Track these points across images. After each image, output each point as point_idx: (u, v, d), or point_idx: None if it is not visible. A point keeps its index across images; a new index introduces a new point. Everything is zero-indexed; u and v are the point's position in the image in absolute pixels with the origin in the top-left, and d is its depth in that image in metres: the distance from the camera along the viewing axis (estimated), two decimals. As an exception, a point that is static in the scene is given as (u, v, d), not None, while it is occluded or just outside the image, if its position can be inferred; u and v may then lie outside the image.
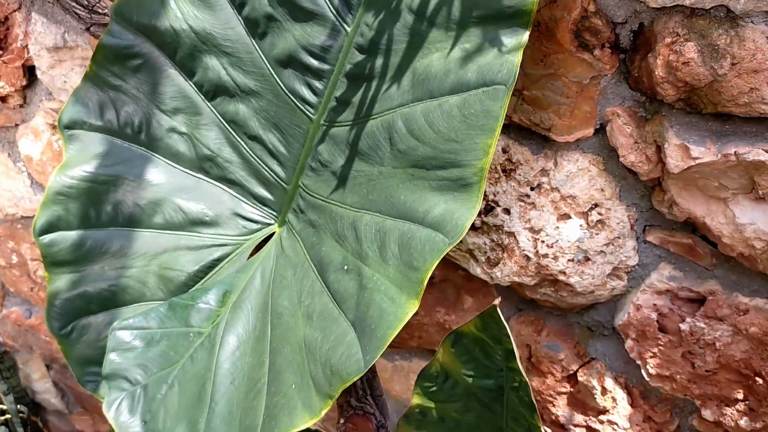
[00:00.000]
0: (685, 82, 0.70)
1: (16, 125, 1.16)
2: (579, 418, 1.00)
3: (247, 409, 0.76)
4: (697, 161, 0.73)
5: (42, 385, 1.64)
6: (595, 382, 0.97)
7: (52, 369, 1.61)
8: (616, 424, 0.98)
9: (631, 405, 0.96)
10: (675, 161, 0.75)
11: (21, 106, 1.13)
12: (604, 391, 0.97)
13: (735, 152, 0.72)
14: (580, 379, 0.98)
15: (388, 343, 0.64)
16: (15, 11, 1.04)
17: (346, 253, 0.73)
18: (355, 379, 0.65)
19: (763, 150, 0.71)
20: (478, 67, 0.64)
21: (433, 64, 0.67)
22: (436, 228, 0.65)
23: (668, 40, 0.69)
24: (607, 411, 0.98)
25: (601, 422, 0.99)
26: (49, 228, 0.86)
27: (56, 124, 1.12)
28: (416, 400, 0.76)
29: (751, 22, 0.66)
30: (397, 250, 0.67)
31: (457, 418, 0.75)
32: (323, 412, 0.68)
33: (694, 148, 0.73)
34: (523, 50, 0.63)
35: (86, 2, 0.84)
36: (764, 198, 0.75)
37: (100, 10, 0.84)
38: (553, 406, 1.02)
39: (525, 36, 0.63)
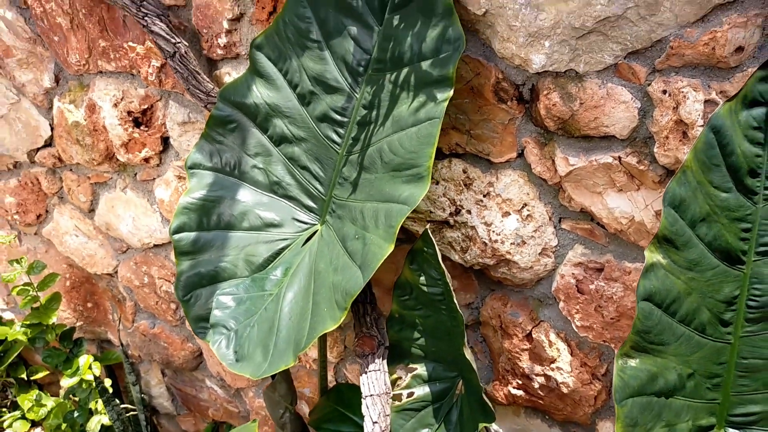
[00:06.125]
0: (557, 117, 1.15)
1: (154, 179, 1.71)
2: (537, 368, 1.39)
3: (298, 330, 1.21)
4: (574, 167, 1.17)
5: (157, 390, 2.12)
6: (543, 338, 1.36)
7: (166, 375, 2.09)
8: (563, 369, 1.36)
9: (571, 354, 1.35)
10: (561, 168, 1.19)
11: (158, 165, 1.68)
12: (550, 344, 1.36)
13: (595, 159, 1.16)
14: (534, 336, 1.38)
15: (375, 270, 1.09)
16: (157, 101, 1.60)
17: (356, 228, 1.19)
18: (358, 292, 1.10)
19: (611, 156, 1.14)
20: (426, 111, 1.12)
21: (402, 111, 1.16)
22: (404, 203, 1.11)
23: (545, 92, 1.15)
24: (555, 360, 1.37)
25: (552, 369, 1.38)
26: (178, 230, 1.36)
27: (182, 176, 1.66)
28: (395, 306, 1.20)
29: (589, 77, 1.11)
30: (384, 219, 1.14)
31: (423, 324, 1.18)
32: (341, 320, 1.13)
33: (571, 158, 1.17)
34: (449, 99, 1.10)
35: (204, 89, 1.38)
36: (622, 189, 1.17)
37: (213, 95, 1.38)
38: (520, 360, 1.41)
39: (450, 92, 1.10)
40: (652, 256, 0.94)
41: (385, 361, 1.21)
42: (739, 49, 0.98)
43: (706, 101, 1.02)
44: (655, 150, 1.10)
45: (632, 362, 0.94)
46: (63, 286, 2.07)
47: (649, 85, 1.06)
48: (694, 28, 0.99)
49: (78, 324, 2.13)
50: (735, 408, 1.00)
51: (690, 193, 0.93)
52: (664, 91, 1.05)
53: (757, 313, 0.96)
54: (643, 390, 0.93)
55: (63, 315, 2.12)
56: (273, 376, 1.40)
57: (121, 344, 1.93)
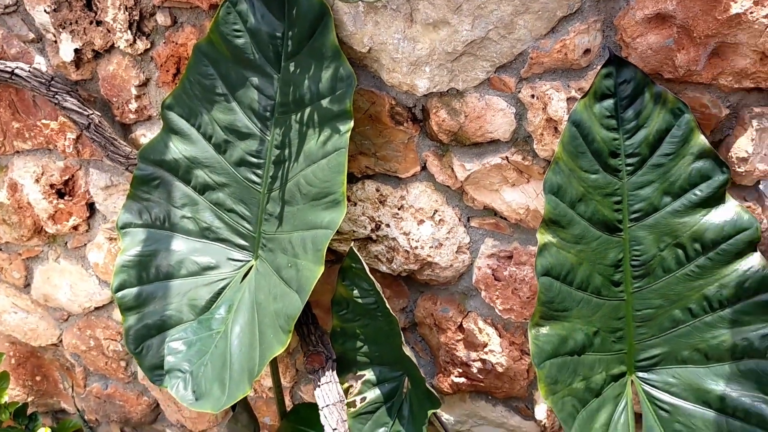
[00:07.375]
0: (448, 131, 1.30)
1: (85, 244, 1.77)
2: (473, 354, 1.53)
3: (249, 359, 1.31)
4: (471, 171, 1.32)
5: (118, 449, 2.15)
6: (473, 326, 1.51)
7: (124, 433, 2.13)
8: (495, 351, 1.51)
9: (500, 336, 1.50)
10: (460, 174, 1.34)
11: (87, 231, 1.74)
12: (480, 331, 1.50)
13: (487, 162, 1.31)
14: (464, 326, 1.52)
15: (310, 291, 1.21)
16: (78, 170, 1.67)
17: (288, 257, 1.31)
18: (298, 314, 1.22)
19: (499, 157, 1.30)
20: (332, 143, 1.25)
21: (312, 146, 1.28)
22: (326, 227, 1.23)
23: (433, 110, 1.30)
24: (487, 344, 1.51)
25: (486, 353, 1.52)
26: (120, 287, 1.44)
27: (113, 238, 1.73)
28: (335, 321, 1.32)
29: (469, 93, 1.26)
30: (311, 245, 1.25)
31: (363, 332, 1.31)
32: (288, 342, 1.24)
33: (467, 164, 1.32)
34: (351, 130, 1.23)
35: (123, 153, 1.46)
36: (515, 184, 1.33)
37: (132, 157, 1.47)
38: (456, 351, 1.55)
39: (350, 123, 1.24)
40: (543, 237, 1.09)
41: (335, 373, 1.32)
42: (587, 51, 1.15)
43: (568, 99, 1.19)
44: (535, 146, 1.26)
45: (543, 330, 1.08)
46: (8, 364, 2.09)
47: (519, 92, 1.22)
48: (547, 39, 1.15)
49: (29, 399, 2.14)
50: (639, 354, 1.17)
51: (565, 179, 1.09)
52: (533, 96, 1.21)
53: (641, 270, 1.12)
54: (557, 352, 1.08)
55: (13, 393, 2.13)
56: (234, 408, 1.49)
57: (78, 410, 1.97)
